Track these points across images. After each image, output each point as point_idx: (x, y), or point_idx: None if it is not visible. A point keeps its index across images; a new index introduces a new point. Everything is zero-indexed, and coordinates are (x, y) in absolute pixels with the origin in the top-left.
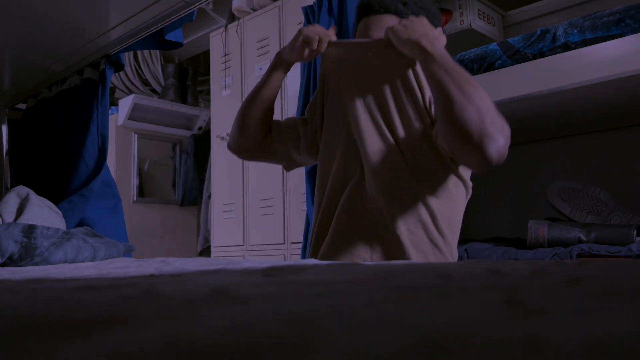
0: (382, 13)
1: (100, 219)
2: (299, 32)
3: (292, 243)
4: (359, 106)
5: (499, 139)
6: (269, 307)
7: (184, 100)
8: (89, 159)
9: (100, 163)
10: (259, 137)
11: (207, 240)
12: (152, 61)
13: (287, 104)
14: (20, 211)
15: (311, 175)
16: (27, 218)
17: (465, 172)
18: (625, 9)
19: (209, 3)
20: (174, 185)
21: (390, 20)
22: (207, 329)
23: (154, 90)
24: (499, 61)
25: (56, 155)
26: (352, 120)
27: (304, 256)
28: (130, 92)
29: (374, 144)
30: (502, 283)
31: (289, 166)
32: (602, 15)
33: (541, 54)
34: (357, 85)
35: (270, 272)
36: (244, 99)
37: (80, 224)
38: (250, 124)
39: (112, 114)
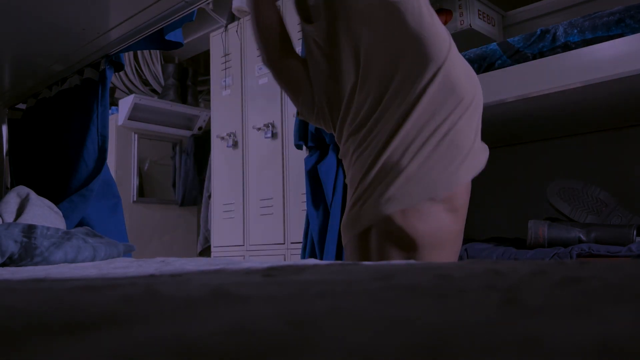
0: None
1: (100, 219)
2: None
3: (292, 243)
4: None
5: None
6: (268, 307)
7: (184, 100)
8: (89, 159)
9: (100, 163)
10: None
11: (207, 240)
12: (152, 61)
13: (287, 102)
14: (20, 211)
15: (311, 176)
16: (27, 218)
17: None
18: (625, 9)
19: (209, 3)
20: (174, 185)
21: None
22: (207, 329)
23: (154, 90)
24: (499, 61)
25: (56, 155)
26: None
27: (304, 256)
28: (131, 92)
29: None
30: (502, 283)
31: (301, 113)
32: (602, 15)
33: (541, 54)
34: None
35: (270, 272)
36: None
37: (80, 223)
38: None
39: (112, 114)
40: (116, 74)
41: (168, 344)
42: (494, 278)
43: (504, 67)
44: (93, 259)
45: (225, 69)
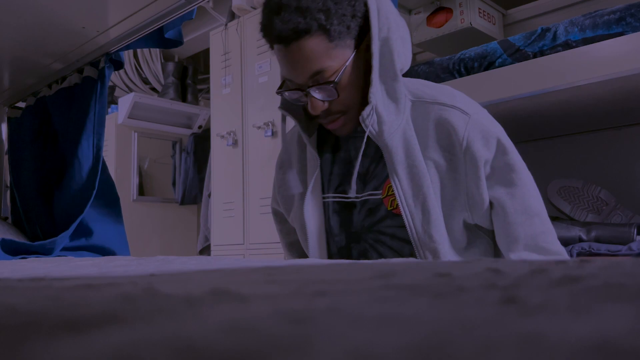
0: (303, 37)
1: (99, 218)
2: None
3: None
4: None
5: None
6: (268, 306)
7: (184, 99)
8: (86, 158)
9: (97, 161)
10: None
11: (207, 239)
12: (152, 59)
13: None
14: None
15: None
16: None
17: None
18: (626, 7)
19: (209, 1)
20: (174, 183)
21: (317, 43)
22: (207, 328)
23: (154, 89)
24: (500, 60)
25: (54, 154)
26: None
27: None
28: (130, 90)
29: None
30: (502, 281)
31: None
32: (602, 13)
33: (542, 53)
34: None
35: (270, 271)
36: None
37: (80, 223)
38: None
39: (112, 112)
40: (116, 72)
41: (168, 342)
42: (493, 277)
43: (504, 65)
44: None
45: (225, 67)
